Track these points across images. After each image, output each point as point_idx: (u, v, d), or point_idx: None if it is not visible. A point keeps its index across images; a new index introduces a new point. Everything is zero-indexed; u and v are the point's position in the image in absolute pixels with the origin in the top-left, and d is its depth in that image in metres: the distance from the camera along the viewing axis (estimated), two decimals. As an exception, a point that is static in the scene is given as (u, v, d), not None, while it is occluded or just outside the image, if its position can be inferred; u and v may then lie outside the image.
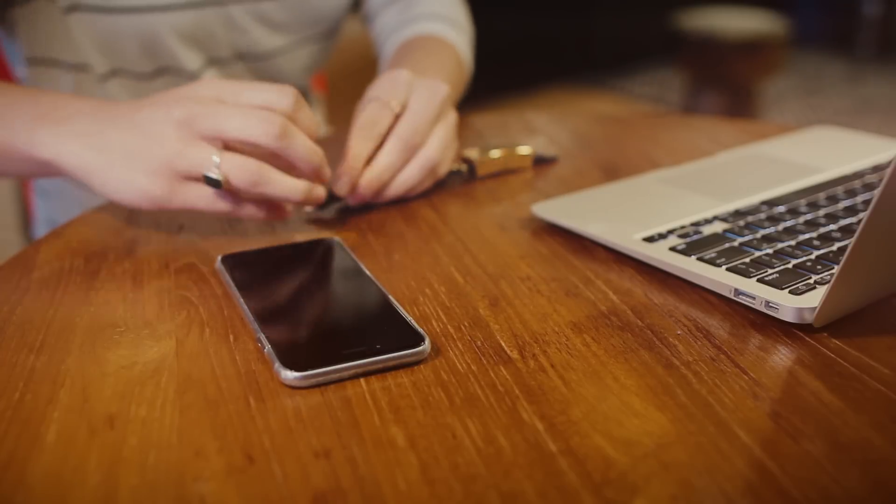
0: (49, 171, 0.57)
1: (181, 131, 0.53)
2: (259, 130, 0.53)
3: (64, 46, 0.76)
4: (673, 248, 0.52)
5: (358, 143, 0.60)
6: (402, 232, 0.59)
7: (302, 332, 0.45)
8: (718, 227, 0.55)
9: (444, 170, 0.65)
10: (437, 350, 0.44)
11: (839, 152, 0.70)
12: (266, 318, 0.46)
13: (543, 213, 0.59)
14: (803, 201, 0.59)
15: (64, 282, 0.52)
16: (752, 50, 2.70)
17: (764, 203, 0.59)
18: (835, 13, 3.92)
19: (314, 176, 0.57)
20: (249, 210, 0.56)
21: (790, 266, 0.49)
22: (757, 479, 0.34)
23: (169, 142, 0.53)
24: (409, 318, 0.45)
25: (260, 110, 0.53)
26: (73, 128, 0.55)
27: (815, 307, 0.44)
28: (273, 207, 0.57)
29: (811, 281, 0.47)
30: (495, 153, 0.70)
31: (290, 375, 0.41)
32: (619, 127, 0.86)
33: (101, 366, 0.43)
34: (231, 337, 0.46)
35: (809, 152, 0.71)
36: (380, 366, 0.42)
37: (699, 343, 0.44)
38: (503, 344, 0.45)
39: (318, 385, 0.41)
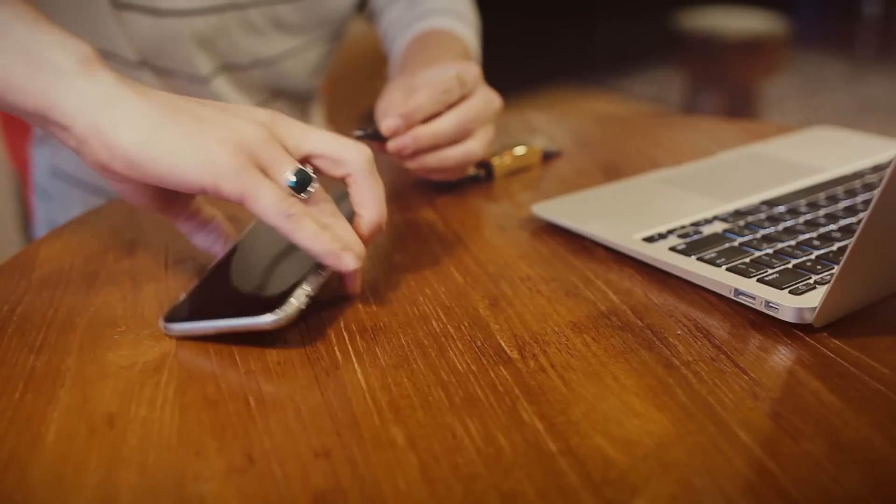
0: (46, 127, 0.47)
1: (267, 129, 0.47)
2: (353, 146, 0.48)
3: (89, 32, 0.75)
4: (673, 248, 0.52)
5: (425, 100, 0.60)
6: (402, 232, 0.59)
7: (198, 291, 0.49)
8: (718, 227, 0.55)
9: (469, 172, 0.67)
10: (437, 350, 0.44)
11: (839, 152, 0.70)
12: (199, 282, 0.50)
13: (543, 213, 0.59)
14: (803, 201, 0.59)
15: (64, 282, 0.52)
16: (752, 50, 2.70)
17: (764, 203, 0.59)
18: (835, 13, 3.92)
19: (370, 234, 0.49)
20: (326, 235, 0.45)
21: (790, 266, 0.49)
22: (757, 479, 0.34)
23: (256, 127, 0.46)
24: (301, 288, 0.45)
25: (347, 138, 0.49)
26: (141, 90, 0.46)
27: (815, 307, 0.44)
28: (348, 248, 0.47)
29: (811, 281, 0.47)
30: (509, 154, 0.71)
31: (161, 324, 0.46)
32: (619, 127, 0.86)
33: (101, 366, 0.43)
34: (231, 337, 0.46)
35: (809, 152, 0.71)
36: (233, 328, 0.44)
37: (699, 343, 0.44)
38: (503, 344, 0.45)
39: (187, 337, 0.45)
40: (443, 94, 0.61)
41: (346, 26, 0.91)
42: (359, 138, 0.60)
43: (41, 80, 0.45)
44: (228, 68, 0.82)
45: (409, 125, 0.60)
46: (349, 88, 1.34)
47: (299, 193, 0.46)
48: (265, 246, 0.52)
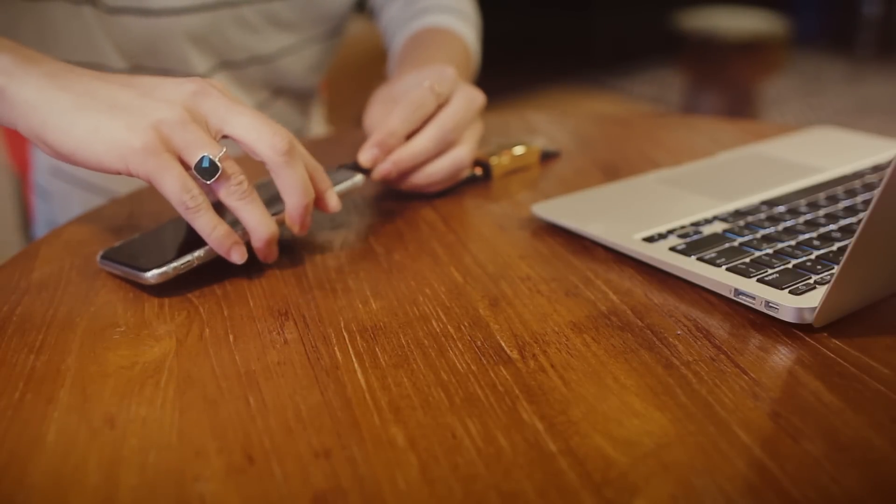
0: None
1: (189, 103, 0.49)
2: (268, 138, 0.49)
3: (78, 47, 0.75)
4: (673, 248, 0.52)
5: (399, 121, 0.59)
6: (402, 232, 0.59)
7: (138, 239, 0.55)
8: (718, 227, 0.55)
9: (465, 174, 0.66)
10: (437, 350, 0.44)
11: (839, 152, 0.70)
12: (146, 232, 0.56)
13: (543, 213, 0.59)
14: (803, 201, 0.59)
15: (64, 282, 0.52)
16: (752, 50, 2.70)
17: (764, 203, 0.59)
18: (835, 13, 3.92)
19: (298, 217, 0.52)
20: (219, 230, 0.49)
21: (790, 266, 0.49)
22: (757, 479, 0.34)
23: (172, 108, 0.48)
24: (190, 255, 0.51)
25: (271, 122, 0.50)
26: (48, 68, 0.49)
27: (815, 307, 0.44)
28: (241, 243, 0.51)
29: (811, 281, 0.47)
30: (508, 154, 0.70)
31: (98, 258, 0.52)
32: (619, 127, 0.86)
33: (101, 366, 0.43)
34: (231, 337, 0.46)
35: (809, 152, 0.71)
36: (129, 276, 0.51)
37: (699, 343, 0.44)
38: (503, 344, 0.45)
39: (111, 274, 0.51)
40: (416, 112, 0.60)
41: (345, 24, 0.91)
42: (344, 169, 0.60)
43: None
44: (226, 65, 0.82)
45: (386, 152, 0.60)
46: (349, 87, 1.34)
47: (206, 179, 0.48)
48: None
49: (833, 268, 0.49)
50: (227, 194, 0.49)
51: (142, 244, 0.54)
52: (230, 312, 0.48)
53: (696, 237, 0.54)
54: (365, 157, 0.59)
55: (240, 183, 0.49)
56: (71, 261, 0.55)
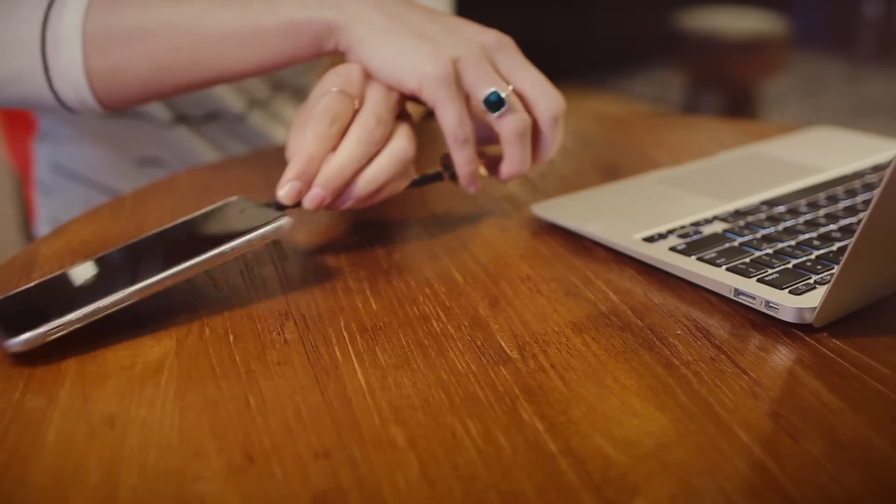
0: (314, 43, 0.56)
1: (482, 50, 0.54)
2: (548, 100, 0.55)
3: None
4: (673, 248, 0.52)
5: (314, 140, 0.51)
6: (402, 232, 0.59)
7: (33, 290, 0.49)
8: (718, 227, 0.55)
9: (415, 175, 0.57)
10: (437, 350, 0.44)
11: (839, 152, 0.70)
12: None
13: (543, 213, 0.59)
14: (803, 201, 0.59)
15: (64, 282, 0.52)
16: (752, 50, 2.70)
17: (764, 203, 0.59)
18: (835, 13, 3.91)
19: (513, 173, 0.57)
20: (474, 165, 0.56)
21: (790, 266, 0.49)
22: (757, 479, 0.34)
23: (470, 47, 0.54)
24: (56, 321, 0.44)
25: (553, 87, 0.56)
26: (384, 9, 0.55)
27: (815, 307, 0.44)
28: (476, 172, 0.56)
29: (811, 281, 0.47)
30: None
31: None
32: (619, 127, 0.86)
33: (101, 366, 0.43)
34: (231, 337, 0.46)
35: (809, 152, 0.71)
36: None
37: (699, 343, 0.44)
38: (503, 344, 0.45)
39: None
40: (332, 124, 0.51)
41: None
42: (267, 207, 0.51)
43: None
44: (256, 103, 0.82)
45: (309, 180, 0.50)
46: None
47: (492, 112, 0.54)
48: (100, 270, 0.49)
49: (833, 268, 0.49)
50: (507, 128, 0.54)
51: (20, 300, 0.47)
52: (230, 312, 0.48)
53: (696, 237, 0.54)
54: (285, 193, 0.50)
55: (522, 120, 0.54)
56: (71, 261, 0.55)
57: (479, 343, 0.45)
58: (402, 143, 0.54)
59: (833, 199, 0.59)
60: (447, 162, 0.58)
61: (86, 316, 0.45)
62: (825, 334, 0.45)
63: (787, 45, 2.82)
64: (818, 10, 3.93)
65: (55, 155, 0.86)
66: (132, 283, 0.46)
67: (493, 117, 0.54)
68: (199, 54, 0.57)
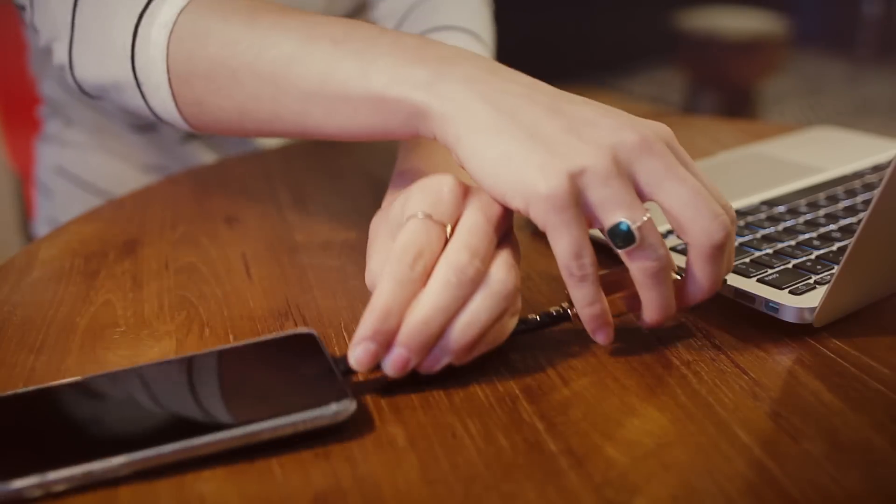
0: (406, 124, 0.44)
1: (623, 155, 0.40)
2: (706, 222, 0.41)
3: None
4: (673, 249, 0.52)
5: (390, 289, 0.39)
6: (402, 232, 0.59)
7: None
8: (718, 227, 0.55)
9: (519, 302, 0.43)
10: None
11: (839, 152, 0.70)
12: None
13: (543, 213, 0.59)
14: (803, 201, 0.59)
15: (64, 282, 0.52)
16: (752, 50, 2.70)
17: (764, 203, 0.59)
18: (835, 13, 3.92)
19: (658, 320, 0.43)
20: (597, 308, 0.42)
21: (790, 266, 0.49)
22: (757, 479, 0.34)
23: (599, 156, 0.40)
24: (43, 476, 0.34)
25: (712, 200, 0.41)
26: (466, 71, 0.43)
27: (816, 307, 0.44)
28: (601, 315, 0.42)
29: (811, 281, 0.47)
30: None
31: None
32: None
33: (101, 366, 0.43)
34: (231, 337, 0.46)
35: (809, 152, 0.71)
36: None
37: (699, 343, 0.44)
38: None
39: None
40: (414, 266, 0.40)
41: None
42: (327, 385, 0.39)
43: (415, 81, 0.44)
44: None
45: (387, 340, 0.39)
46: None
47: (619, 247, 0.40)
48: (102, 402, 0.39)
49: (833, 268, 0.49)
50: (639, 268, 0.41)
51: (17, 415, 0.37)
52: (230, 312, 0.48)
53: (696, 237, 0.54)
54: (357, 358, 0.39)
55: (658, 259, 0.41)
56: (71, 261, 0.55)
57: (479, 343, 0.45)
58: (499, 274, 0.41)
59: (833, 199, 0.59)
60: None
61: (76, 478, 0.34)
62: (825, 334, 0.45)
63: (787, 45, 2.82)
64: (818, 10, 3.93)
65: (59, 158, 0.86)
66: (137, 445, 0.35)
67: (620, 253, 0.41)
68: (282, 107, 0.48)
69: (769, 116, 3.07)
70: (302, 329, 0.42)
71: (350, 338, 0.45)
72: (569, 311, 0.44)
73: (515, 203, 0.41)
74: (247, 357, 0.41)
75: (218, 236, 0.59)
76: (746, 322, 0.46)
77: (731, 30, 2.72)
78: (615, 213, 0.40)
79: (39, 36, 0.57)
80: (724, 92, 2.85)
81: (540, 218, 0.40)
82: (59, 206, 0.88)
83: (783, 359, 0.43)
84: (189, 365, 0.41)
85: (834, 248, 0.51)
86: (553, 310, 0.44)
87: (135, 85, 0.52)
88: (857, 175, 0.65)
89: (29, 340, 0.46)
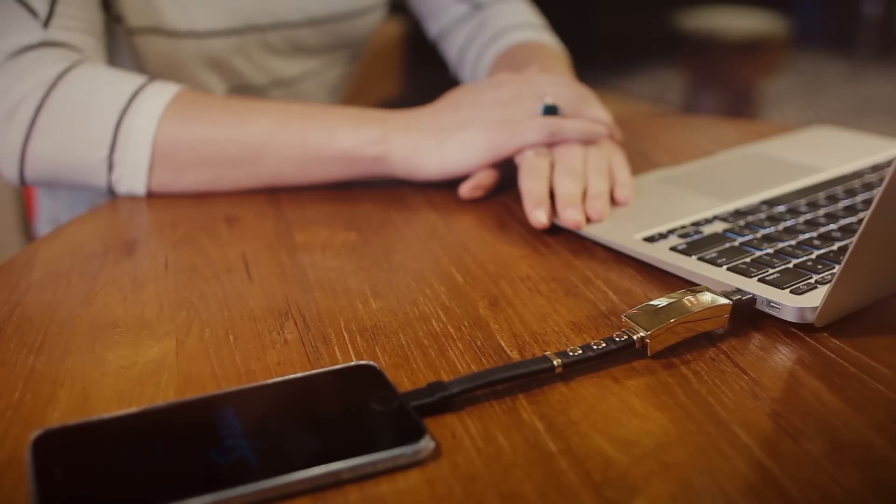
0: (369, 169, 0.63)
1: (513, 94, 0.63)
2: (572, 96, 0.66)
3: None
4: (673, 248, 0.52)
5: (567, 182, 0.59)
6: (402, 232, 0.59)
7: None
8: (719, 226, 0.55)
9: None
10: (437, 350, 0.44)
11: (839, 152, 0.70)
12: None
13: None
14: (803, 201, 0.59)
15: (64, 282, 0.52)
16: (752, 50, 2.70)
17: (764, 203, 0.59)
18: (835, 13, 3.91)
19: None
20: (569, 128, 0.62)
21: (791, 266, 0.49)
22: (757, 479, 0.34)
23: (502, 103, 0.63)
24: None
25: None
26: (400, 122, 0.63)
27: (817, 307, 0.44)
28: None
29: (812, 280, 0.47)
30: (673, 316, 0.43)
31: None
32: (619, 127, 0.85)
33: (101, 366, 0.43)
34: (231, 337, 0.46)
35: (809, 152, 0.71)
36: None
37: (699, 343, 0.44)
38: (503, 344, 0.45)
39: None
40: (575, 169, 0.60)
41: (364, 47, 0.91)
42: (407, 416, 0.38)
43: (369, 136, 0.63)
44: (241, 89, 0.82)
45: (580, 209, 0.58)
46: (349, 95, 1.35)
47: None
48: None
49: (834, 267, 0.49)
50: (573, 109, 0.65)
51: (90, 446, 0.36)
52: (230, 312, 0.48)
53: (696, 237, 0.54)
54: (569, 217, 0.57)
55: (574, 93, 0.66)
56: (71, 261, 0.55)
57: (478, 343, 0.45)
58: (594, 115, 0.68)
59: (833, 199, 0.59)
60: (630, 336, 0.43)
61: None
62: (825, 334, 0.45)
63: (786, 45, 2.82)
64: (818, 10, 3.93)
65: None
66: (222, 484, 0.33)
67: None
68: (260, 168, 0.63)
69: (769, 116, 3.07)
70: (364, 361, 0.42)
71: (350, 338, 0.45)
72: (634, 339, 0.42)
73: (485, 155, 0.62)
74: (314, 389, 0.40)
75: (218, 236, 0.59)
76: (746, 322, 0.46)
77: (731, 30, 2.72)
78: (536, 104, 0.64)
79: None
80: (724, 92, 2.84)
81: (503, 140, 0.62)
82: (62, 205, 0.88)
83: (783, 359, 0.43)
84: (254, 398, 0.39)
85: (834, 247, 0.51)
86: (616, 335, 0.43)
87: (105, 169, 0.63)
88: (857, 175, 0.65)
89: (29, 340, 0.46)
